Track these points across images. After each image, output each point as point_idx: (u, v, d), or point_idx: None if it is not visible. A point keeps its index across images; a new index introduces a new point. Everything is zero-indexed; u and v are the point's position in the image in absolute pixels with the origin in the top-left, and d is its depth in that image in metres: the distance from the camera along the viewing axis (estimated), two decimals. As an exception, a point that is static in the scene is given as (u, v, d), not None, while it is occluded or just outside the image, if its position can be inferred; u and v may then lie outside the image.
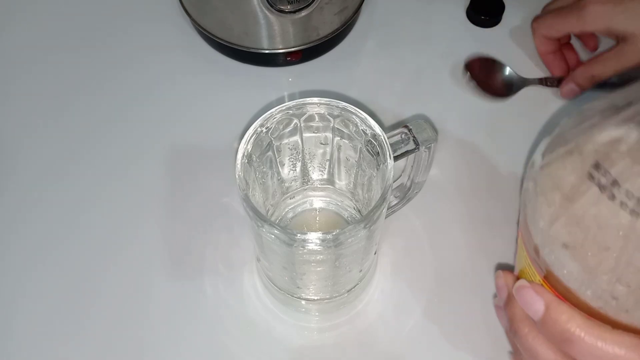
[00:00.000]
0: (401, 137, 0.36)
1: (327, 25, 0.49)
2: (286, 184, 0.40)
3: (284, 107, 0.35)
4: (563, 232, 0.27)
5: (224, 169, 0.45)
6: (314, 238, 0.31)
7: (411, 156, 0.37)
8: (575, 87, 0.47)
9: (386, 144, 0.34)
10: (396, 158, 0.35)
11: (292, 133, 0.37)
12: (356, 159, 0.38)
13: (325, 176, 0.41)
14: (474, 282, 0.41)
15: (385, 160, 0.33)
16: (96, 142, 0.48)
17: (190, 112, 0.49)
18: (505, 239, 0.42)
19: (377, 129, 0.34)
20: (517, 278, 0.33)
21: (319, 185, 0.41)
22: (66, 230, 0.43)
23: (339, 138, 0.37)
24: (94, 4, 0.56)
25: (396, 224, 0.43)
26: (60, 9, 0.56)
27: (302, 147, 0.38)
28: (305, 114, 0.36)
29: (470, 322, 0.40)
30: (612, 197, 0.25)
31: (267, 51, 0.49)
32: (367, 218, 0.32)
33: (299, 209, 0.42)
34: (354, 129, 0.36)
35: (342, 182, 0.40)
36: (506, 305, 0.32)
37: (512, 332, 0.32)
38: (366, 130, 0.35)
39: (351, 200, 0.41)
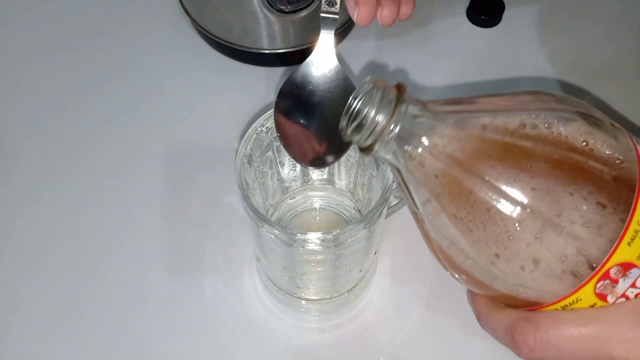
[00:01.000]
0: None
1: (327, 25, 0.49)
2: (286, 184, 0.40)
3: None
4: None
5: (224, 169, 0.45)
6: (314, 238, 0.31)
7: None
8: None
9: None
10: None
11: (293, 133, 0.36)
12: (356, 159, 0.38)
13: (325, 176, 0.41)
14: (474, 282, 0.41)
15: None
16: (96, 142, 0.48)
17: (190, 112, 0.49)
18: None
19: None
20: None
21: (319, 185, 0.41)
22: (66, 229, 0.43)
23: (339, 138, 0.37)
24: (94, 4, 0.56)
25: (396, 224, 0.43)
26: (61, 9, 0.56)
27: (302, 147, 0.38)
28: (305, 113, 0.36)
29: (470, 322, 0.40)
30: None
31: (267, 51, 0.49)
32: (367, 218, 0.32)
33: (299, 209, 0.42)
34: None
35: (342, 182, 0.40)
36: None
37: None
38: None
39: (351, 200, 0.41)
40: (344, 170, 0.39)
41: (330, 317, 0.40)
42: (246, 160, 0.34)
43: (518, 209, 0.25)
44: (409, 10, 0.36)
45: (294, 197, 0.41)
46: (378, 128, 0.26)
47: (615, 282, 0.25)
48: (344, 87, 0.34)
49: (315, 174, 0.41)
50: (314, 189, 0.41)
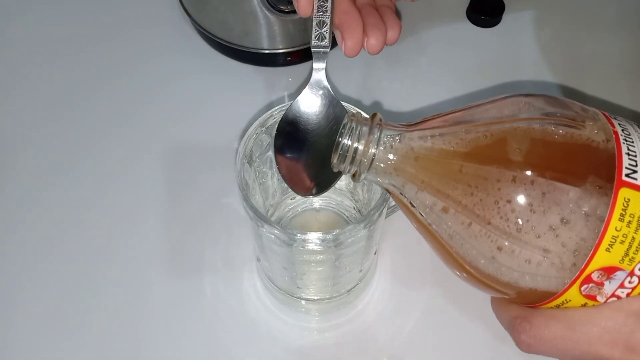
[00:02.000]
0: None
1: (327, 26, 0.49)
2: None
3: (284, 107, 0.35)
4: None
5: (224, 169, 0.45)
6: (314, 238, 0.32)
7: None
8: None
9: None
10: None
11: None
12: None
13: (325, 176, 0.41)
14: (474, 282, 0.41)
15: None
16: (96, 142, 0.48)
17: (190, 112, 0.49)
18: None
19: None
20: None
21: (319, 185, 0.41)
22: (66, 230, 0.43)
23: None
24: (94, 5, 0.56)
25: (396, 224, 0.43)
26: (61, 10, 0.56)
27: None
28: (305, 114, 0.36)
29: (470, 321, 0.40)
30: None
31: (267, 51, 0.49)
32: (367, 218, 0.32)
33: (299, 209, 0.42)
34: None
35: (342, 182, 0.40)
36: None
37: None
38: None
39: (351, 200, 0.41)
40: (344, 170, 0.39)
41: (331, 317, 0.40)
42: (246, 160, 0.34)
43: (502, 206, 0.26)
44: (395, 35, 0.37)
45: (294, 197, 0.41)
46: (357, 156, 0.29)
47: (600, 284, 0.26)
48: (336, 118, 0.34)
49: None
50: (314, 189, 0.41)
